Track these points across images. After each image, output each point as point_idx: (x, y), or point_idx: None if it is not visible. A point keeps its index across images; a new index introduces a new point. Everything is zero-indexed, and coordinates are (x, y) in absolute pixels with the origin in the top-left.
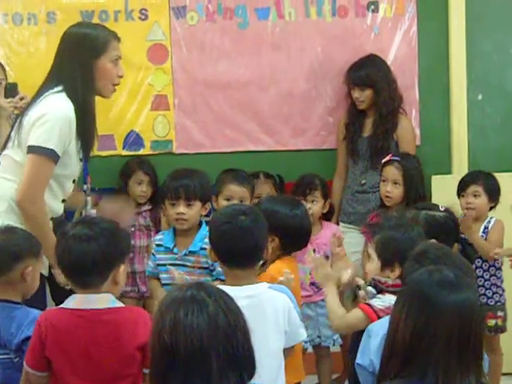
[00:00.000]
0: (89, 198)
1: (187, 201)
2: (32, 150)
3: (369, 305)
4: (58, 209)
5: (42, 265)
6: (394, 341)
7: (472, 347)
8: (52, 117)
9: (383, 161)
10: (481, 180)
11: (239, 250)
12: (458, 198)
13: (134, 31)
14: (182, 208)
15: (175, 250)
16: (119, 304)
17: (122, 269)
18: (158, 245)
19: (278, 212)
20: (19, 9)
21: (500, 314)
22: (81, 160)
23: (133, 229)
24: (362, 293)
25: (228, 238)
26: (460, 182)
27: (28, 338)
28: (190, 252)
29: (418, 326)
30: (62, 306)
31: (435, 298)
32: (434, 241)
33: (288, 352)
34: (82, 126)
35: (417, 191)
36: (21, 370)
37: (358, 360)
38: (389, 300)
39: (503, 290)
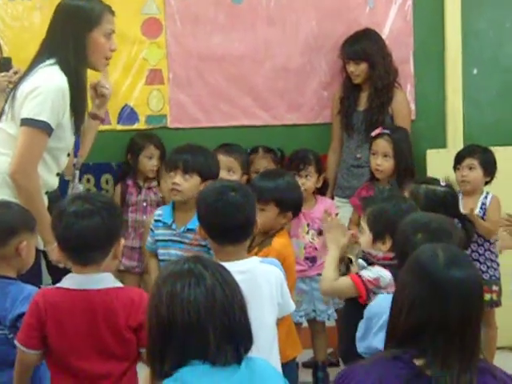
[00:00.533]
0: (77, 172)
1: (184, 172)
2: (25, 122)
3: (358, 275)
4: (53, 183)
5: (36, 240)
6: (396, 322)
7: (474, 324)
8: (45, 89)
9: (372, 134)
10: (477, 153)
11: (231, 226)
12: (454, 171)
13: (128, 5)
14: (177, 178)
15: (173, 225)
16: (118, 284)
17: (122, 242)
18: (156, 220)
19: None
20: None
21: (495, 288)
22: (75, 133)
23: (144, 204)
24: (354, 268)
25: (219, 215)
26: (456, 156)
27: (22, 315)
28: (188, 229)
29: (426, 306)
30: (59, 285)
31: (443, 278)
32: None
33: (279, 322)
34: (75, 98)
35: (406, 164)
36: (15, 346)
37: (360, 349)
38: (377, 272)
39: (498, 265)
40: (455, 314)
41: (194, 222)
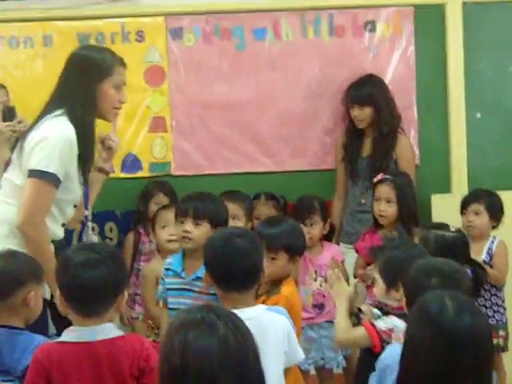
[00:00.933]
0: (89, 224)
1: (195, 219)
2: (33, 174)
3: (372, 324)
4: (59, 233)
5: (44, 289)
6: (409, 371)
7: (487, 369)
8: (53, 140)
9: (375, 180)
10: (482, 198)
11: (236, 272)
12: (461, 216)
13: (130, 53)
14: (188, 226)
15: (183, 274)
16: (119, 332)
17: (126, 295)
18: (167, 269)
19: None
20: (15, 32)
21: (501, 333)
22: (82, 184)
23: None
24: (364, 316)
25: (225, 260)
26: (462, 201)
27: None
28: (197, 277)
29: (438, 356)
30: (61, 339)
31: (453, 327)
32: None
33: (286, 372)
34: (82, 148)
35: (410, 209)
36: None
37: None
38: (392, 322)
39: (504, 309)
40: (468, 361)
41: (202, 270)
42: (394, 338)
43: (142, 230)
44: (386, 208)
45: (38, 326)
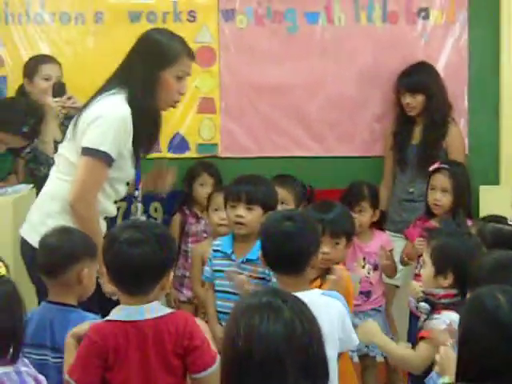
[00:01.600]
0: (139, 205)
1: (247, 204)
2: (86, 152)
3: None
4: (111, 210)
5: (97, 267)
6: (467, 366)
7: None
8: (108, 119)
9: (431, 168)
10: None
11: (282, 255)
12: None
13: (181, 33)
14: (241, 211)
15: (233, 256)
16: (166, 310)
17: (171, 275)
18: (215, 250)
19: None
20: (67, 8)
21: None
22: (135, 166)
23: (205, 235)
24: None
25: (272, 243)
26: None
27: None
28: (247, 260)
29: (498, 352)
30: (109, 318)
31: (508, 322)
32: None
33: (339, 357)
34: (136, 132)
35: (465, 200)
36: None
37: None
38: (447, 317)
39: None
40: None
41: (253, 253)
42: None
43: (188, 211)
44: (441, 197)
45: (89, 304)
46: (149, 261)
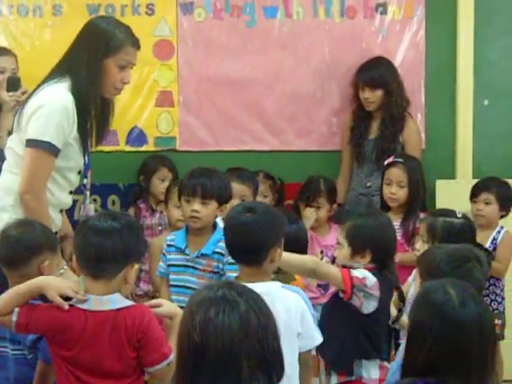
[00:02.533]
0: (87, 193)
1: (203, 199)
2: (29, 143)
3: (348, 270)
4: (67, 201)
5: (59, 259)
6: (415, 357)
7: (492, 353)
8: (49, 109)
9: (386, 162)
10: (493, 188)
11: (239, 246)
12: (471, 202)
13: (140, 26)
14: (196, 205)
15: (187, 250)
16: (127, 303)
17: (135, 268)
18: (169, 245)
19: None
20: (25, 0)
21: (498, 321)
22: (84, 151)
23: (160, 228)
24: None
25: (230, 233)
26: (473, 188)
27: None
28: (202, 254)
29: (446, 343)
30: (72, 303)
31: (460, 316)
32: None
33: (305, 357)
34: (80, 119)
35: (419, 193)
36: (34, 367)
37: None
38: (364, 272)
39: (502, 298)
40: (474, 347)
41: (208, 248)
42: (367, 288)
43: (142, 205)
44: (398, 191)
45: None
46: (115, 245)
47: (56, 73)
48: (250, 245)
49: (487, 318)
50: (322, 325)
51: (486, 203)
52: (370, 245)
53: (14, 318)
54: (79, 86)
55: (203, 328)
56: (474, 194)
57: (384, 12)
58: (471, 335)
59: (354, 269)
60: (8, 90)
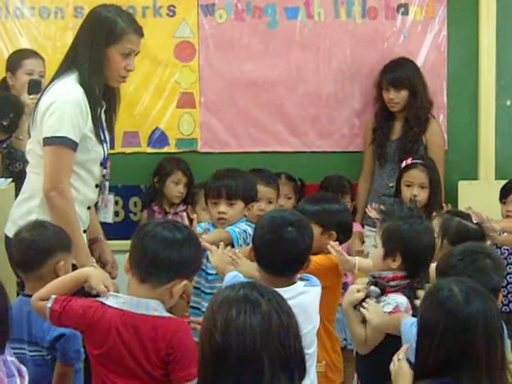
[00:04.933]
0: (107, 183)
1: (229, 200)
2: (47, 141)
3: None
4: (93, 196)
5: (73, 258)
6: (426, 357)
7: (499, 349)
8: (60, 104)
9: (404, 164)
10: None
11: (281, 261)
12: (500, 203)
13: (161, 28)
14: (223, 207)
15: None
16: (164, 314)
17: (183, 284)
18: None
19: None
20: (46, 2)
21: None
22: (102, 141)
23: None
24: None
25: (272, 249)
26: (502, 188)
27: (61, 335)
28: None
29: (454, 341)
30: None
31: (466, 313)
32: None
33: None
34: (91, 109)
35: (440, 193)
36: (52, 368)
37: None
38: (394, 300)
39: None
40: (482, 344)
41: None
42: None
43: (155, 208)
44: (420, 192)
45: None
46: (172, 255)
47: (63, 66)
48: (293, 260)
49: (493, 315)
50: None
51: None
52: (400, 248)
53: (49, 304)
54: (85, 80)
55: (225, 328)
56: (504, 194)
57: (405, 13)
58: (477, 331)
59: (381, 300)
60: (29, 93)
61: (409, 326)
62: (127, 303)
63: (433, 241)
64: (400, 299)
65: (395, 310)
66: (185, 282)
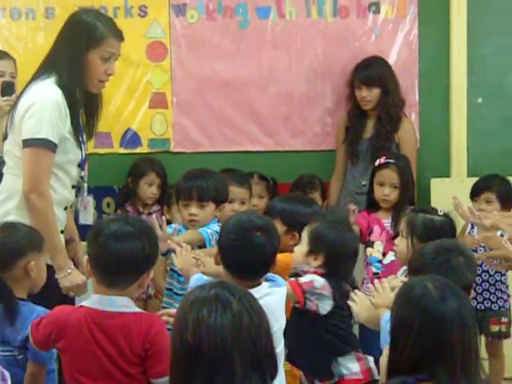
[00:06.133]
0: (85, 185)
1: (200, 201)
2: (27, 143)
3: (295, 279)
4: (70, 197)
5: (47, 257)
6: (400, 354)
7: (474, 347)
8: (39, 106)
9: (377, 163)
10: (495, 186)
11: (248, 265)
12: (471, 201)
13: (133, 28)
14: (193, 209)
15: None
16: (136, 309)
17: (151, 276)
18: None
19: (298, 211)
20: (18, 3)
21: (504, 319)
22: (80, 143)
23: None
24: None
25: (240, 254)
26: (473, 187)
27: None
28: None
29: (428, 339)
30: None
31: (440, 310)
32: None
33: None
34: (70, 112)
35: (409, 191)
36: (24, 368)
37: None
38: (309, 276)
39: (508, 296)
40: (457, 341)
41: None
42: (317, 289)
43: (129, 208)
44: (391, 192)
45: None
46: (136, 255)
47: (42, 69)
48: (261, 265)
49: (468, 312)
50: (290, 341)
51: (488, 202)
52: (324, 250)
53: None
54: (63, 82)
55: (196, 328)
56: (475, 192)
57: (377, 11)
58: (452, 328)
59: (300, 276)
60: (2, 95)
61: (385, 322)
62: (96, 302)
63: (357, 248)
64: (315, 277)
65: (309, 283)
66: (152, 272)
